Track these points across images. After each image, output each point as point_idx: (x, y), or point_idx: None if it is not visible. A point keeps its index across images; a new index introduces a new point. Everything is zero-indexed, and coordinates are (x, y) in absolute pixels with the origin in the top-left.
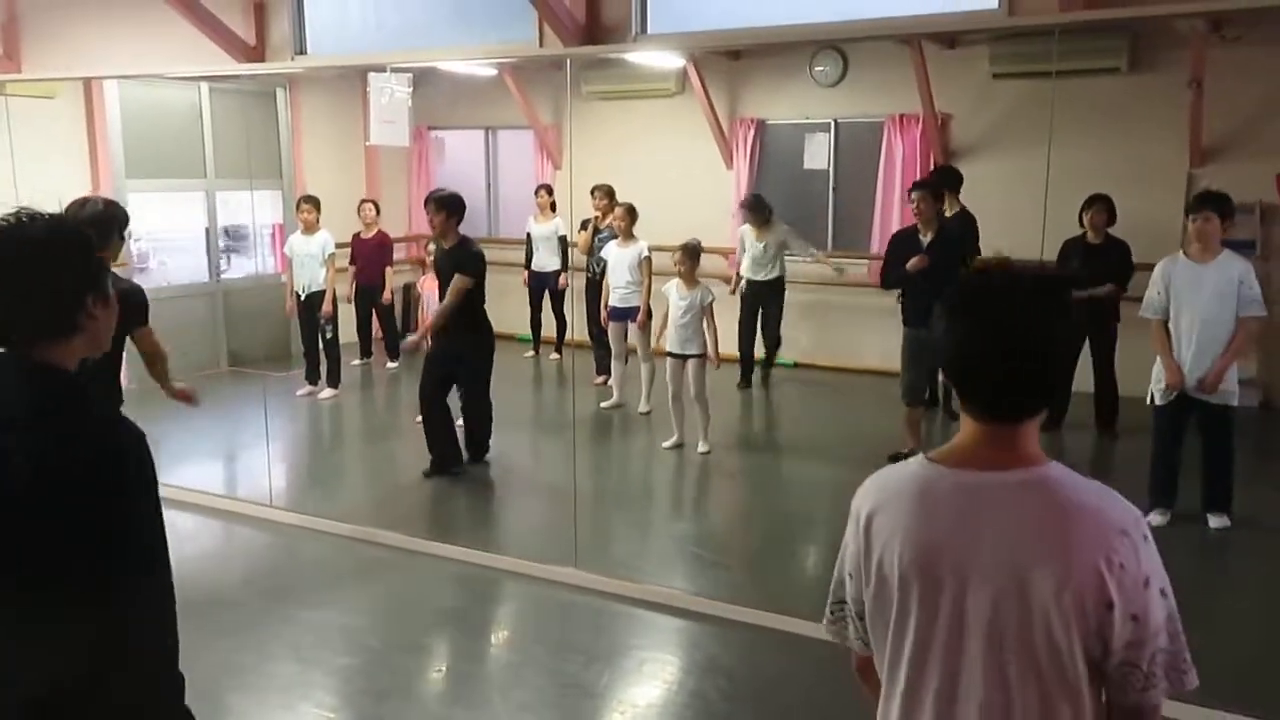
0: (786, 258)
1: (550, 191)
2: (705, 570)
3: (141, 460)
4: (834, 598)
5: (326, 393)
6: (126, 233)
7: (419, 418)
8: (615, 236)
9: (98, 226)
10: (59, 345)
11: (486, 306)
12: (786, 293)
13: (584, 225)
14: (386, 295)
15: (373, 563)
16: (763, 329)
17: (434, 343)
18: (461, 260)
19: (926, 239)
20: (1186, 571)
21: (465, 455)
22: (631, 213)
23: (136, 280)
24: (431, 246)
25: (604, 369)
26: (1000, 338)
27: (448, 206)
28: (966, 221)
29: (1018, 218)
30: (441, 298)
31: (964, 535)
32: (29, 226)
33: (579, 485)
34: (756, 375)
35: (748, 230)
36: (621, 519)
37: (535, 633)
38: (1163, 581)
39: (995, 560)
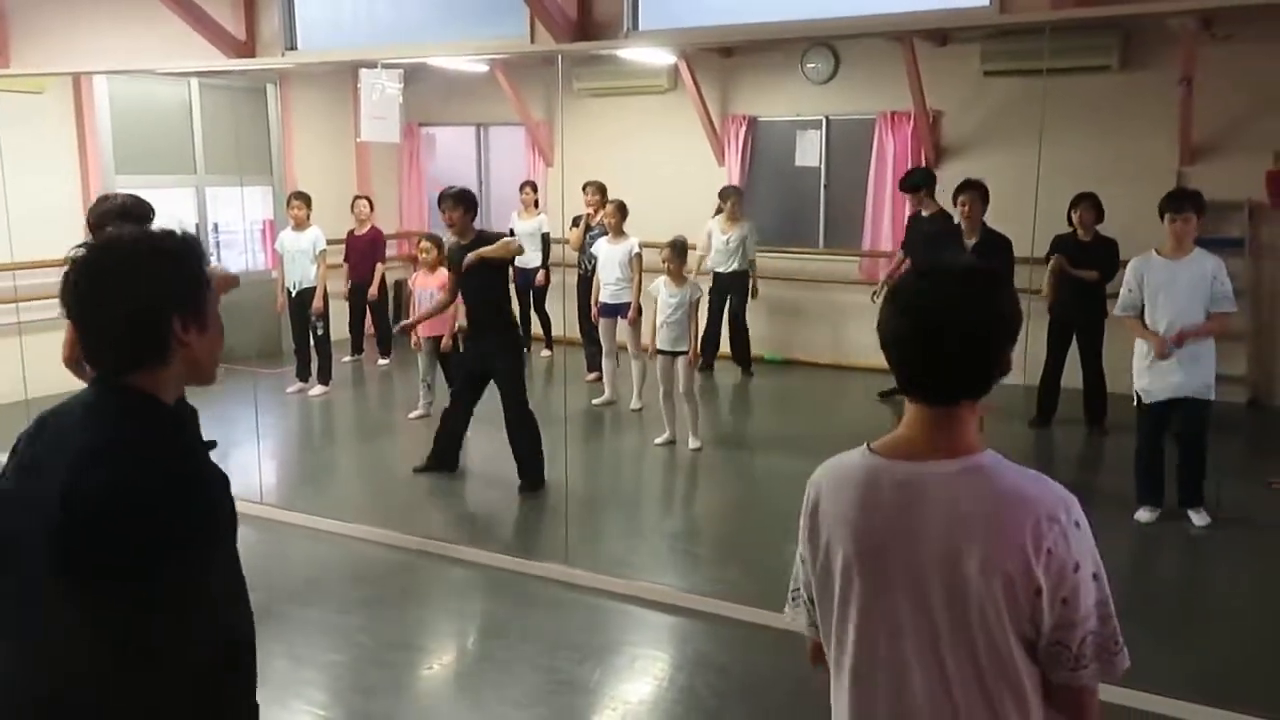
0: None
1: (534, 188)
2: (697, 566)
3: (219, 502)
4: (794, 583)
5: (317, 390)
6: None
7: (411, 414)
8: (606, 233)
9: (116, 223)
10: (149, 373)
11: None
12: (784, 291)
13: (575, 222)
14: (373, 291)
15: (363, 560)
16: (730, 320)
17: (464, 342)
18: (489, 242)
19: (971, 242)
20: (1177, 569)
21: (519, 483)
22: (621, 209)
23: None
24: (424, 243)
25: (595, 366)
26: (918, 317)
27: (464, 202)
28: (950, 220)
29: (1008, 215)
30: (464, 293)
31: (902, 526)
32: (115, 240)
33: (570, 482)
34: (737, 370)
35: (715, 223)
36: (613, 516)
37: (526, 629)
38: (1095, 566)
39: (930, 549)
